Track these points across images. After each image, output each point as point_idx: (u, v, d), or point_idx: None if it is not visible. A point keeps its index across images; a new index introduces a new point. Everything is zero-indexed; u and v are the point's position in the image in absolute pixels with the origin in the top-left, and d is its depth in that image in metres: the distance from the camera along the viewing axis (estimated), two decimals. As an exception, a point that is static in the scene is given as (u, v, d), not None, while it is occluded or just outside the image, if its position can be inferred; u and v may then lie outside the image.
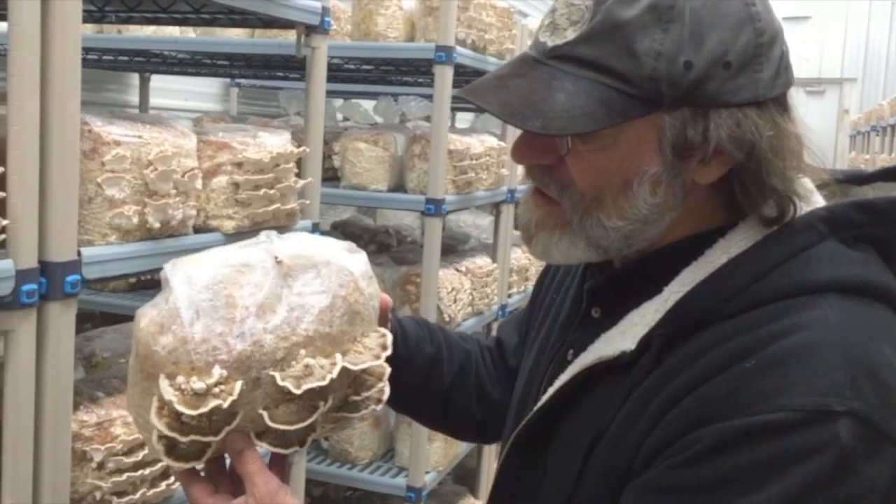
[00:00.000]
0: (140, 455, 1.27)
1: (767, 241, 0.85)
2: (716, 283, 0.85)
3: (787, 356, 0.77)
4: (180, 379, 0.78)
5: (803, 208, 0.87)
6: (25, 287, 1.06)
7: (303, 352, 0.82)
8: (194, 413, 0.76)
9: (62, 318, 1.12)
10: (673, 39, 0.80)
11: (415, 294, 2.63)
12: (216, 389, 0.77)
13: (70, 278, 1.12)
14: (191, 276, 0.82)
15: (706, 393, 0.78)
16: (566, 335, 1.01)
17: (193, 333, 0.79)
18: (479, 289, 2.90)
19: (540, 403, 0.94)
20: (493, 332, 3.20)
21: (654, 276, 0.89)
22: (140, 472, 1.26)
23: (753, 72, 0.82)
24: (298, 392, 0.79)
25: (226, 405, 0.77)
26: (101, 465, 1.23)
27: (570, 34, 0.83)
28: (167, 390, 0.77)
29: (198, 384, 0.77)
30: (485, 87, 0.88)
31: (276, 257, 0.84)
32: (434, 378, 1.18)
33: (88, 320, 2.73)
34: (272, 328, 0.81)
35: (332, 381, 0.81)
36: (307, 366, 0.81)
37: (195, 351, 0.78)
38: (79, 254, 1.15)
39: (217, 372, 0.78)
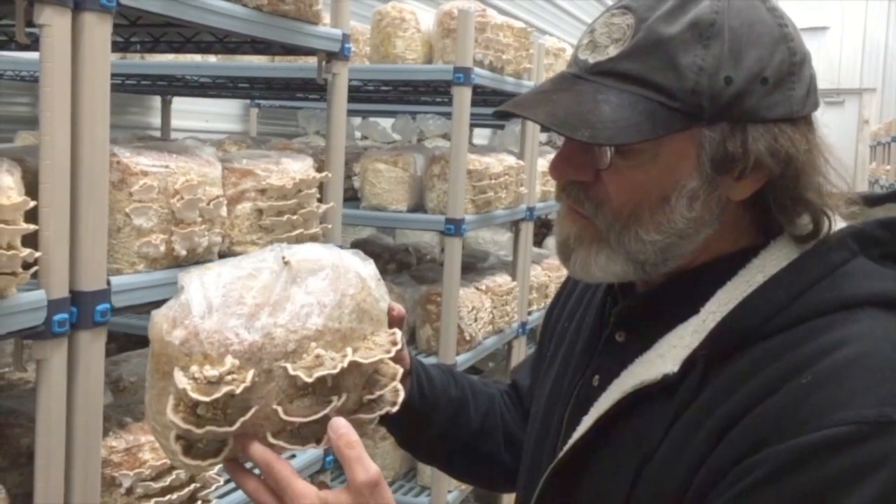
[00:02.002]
0: (168, 480, 1.29)
1: (803, 259, 0.87)
2: (757, 301, 0.86)
3: (842, 369, 0.78)
4: (194, 368, 0.80)
5: (836, 223, 0.89)
6: (57, 317, 1.08)
7: (313, 345, 0.84)
8: (208, 399, 0.78)
9: (92, 346, 1.15)
10: (714, 55, 0.82)
11: (435, 313, 2.64)
12: (229, 377, 0.79)
13: (100, 307, 1.15)
14: (203, 280, 0.85)
15: (765, 411, 0.79)
16: (588, 361, 1.01)
17: (205, 325, 0.81)
18: (499, 307, 2.91)
19: (581, 431, 0.94)
20: (514, 350, 3.21)
21: (686, 298, 0.89)
22: (168, 497, 1.28)
23: (788, 89, 0.85)
24: (310, 380, 0.80)
25: (238, 391, 0.78)
26: (129, 491, 1.25)
27: (613, 51, 0.85)
28: (181, 380, 0.79)
29: (210, 372, 0.79)
30: (529, 101, 0.91)
31: (283, 258, 0.87)
32: (461, 423, 1.17)
33: (112, 340, 2.76)
34: (283, 323, 0.83)
35: (344, 372, 0.83)
36: (318, 356, 0.83)
37: (207, 341, 0.81)
38: (108, 283, 1.17)
39: (229, 361, 0.80)
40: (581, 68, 0.88)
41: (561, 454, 0.96)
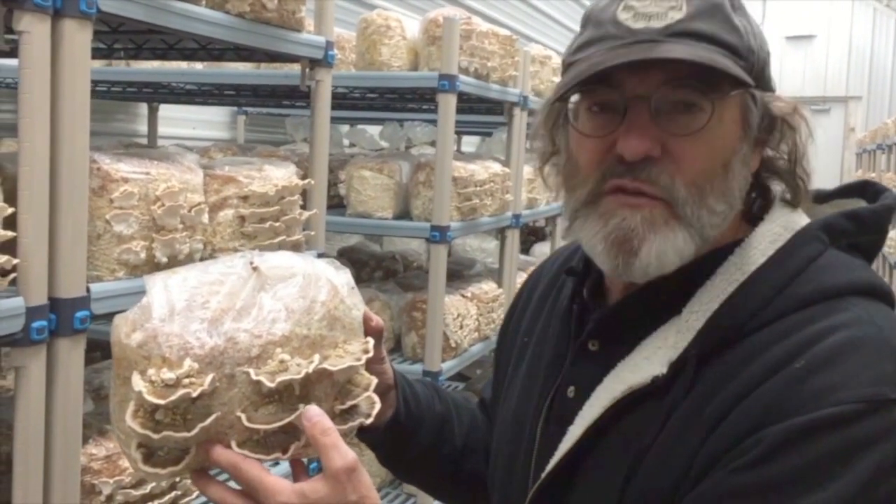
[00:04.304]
0: (148, 487, 1.28)
1: (780, 255, 0.89)
2: (743, 297, 0.87)
3: (835, 353, 0.79)
4: (151, 371, 0.77)
5: (797, 221, 0.92)
6: (35, 324, 1.08)
7: (279, 350, 0.81)
8: (163, 402, 0.75)
9: (72, 353, 1.14)
10: (749, 22, 0.89)
11: (421, 320, 2.64)
12: (186, 380, 0.77)
13: (79, 314, 1.14)
14: (167, 283, 0.82)
15: (760, 397, 0.80)
16: (557, 373, 1.00)
17: (165, 328, 0.78)
18: (485, 314, 2.91)
19: (570, 443, 0.92)
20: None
21: (664, 301, 0.90)
22: (148, 505, 1.28)
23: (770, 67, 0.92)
24: (272, 385, 0.77)
25: (195, 394, 0.76)
26: (109, 498, 1.25)
27: (676, 14, 0.86)
28: (138, 383, 0.76)
29: (167, 374, 0.76)
30: (631, 52, 0.85)
31: (251, 263, 0.84)
32: (446, 439, 1.16)
33: (97, 349, 2.73)
34: (247, 327, 0.80)
35: (312, 380, 0.80)
36: (282, 361, 0.80)
37: (166, 344, 0.78)
38: (88, 290, 1.17)
39: (188, 363, 0.77)
40: (653, 33, 0.85)
41: (550, 467, 0.93)
